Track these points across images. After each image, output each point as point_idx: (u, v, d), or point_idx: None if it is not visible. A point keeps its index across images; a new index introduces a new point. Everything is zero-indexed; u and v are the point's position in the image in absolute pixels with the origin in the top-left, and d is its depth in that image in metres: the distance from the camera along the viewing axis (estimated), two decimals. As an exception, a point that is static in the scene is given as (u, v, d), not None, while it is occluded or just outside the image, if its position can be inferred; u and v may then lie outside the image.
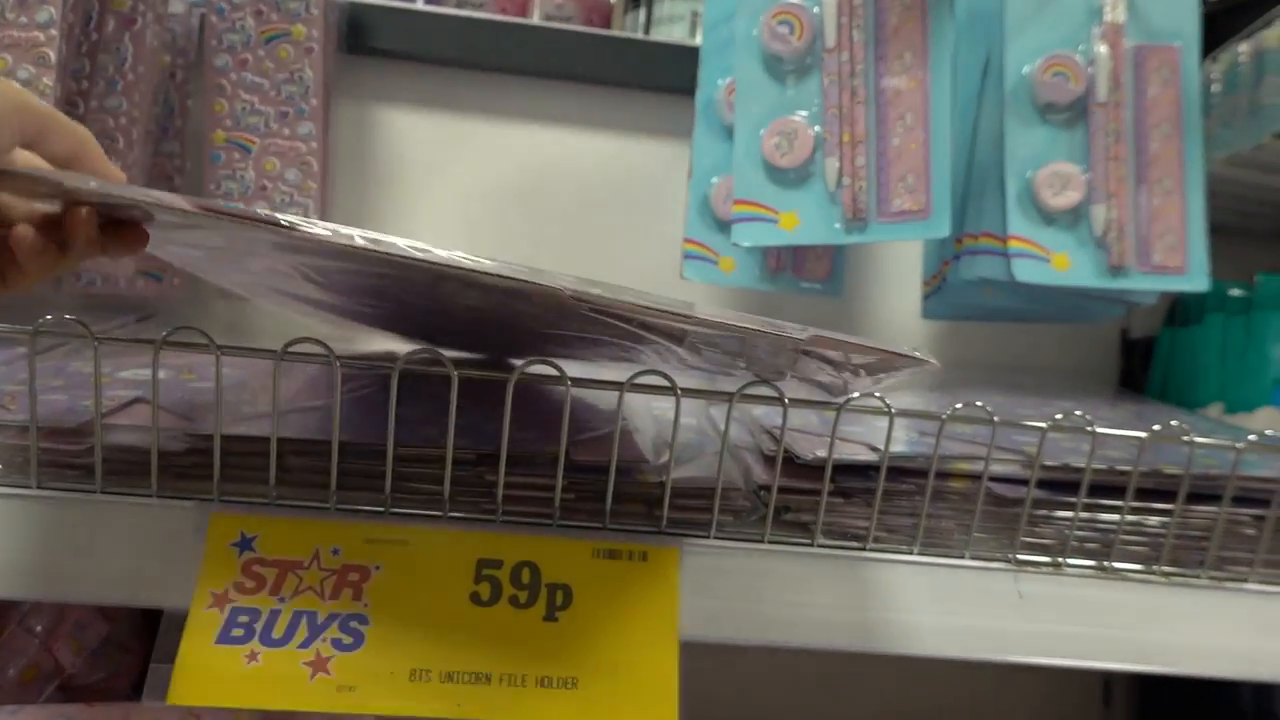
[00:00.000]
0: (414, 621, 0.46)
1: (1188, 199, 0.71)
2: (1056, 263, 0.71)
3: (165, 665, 0.44)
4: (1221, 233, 0.78)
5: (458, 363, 0.46)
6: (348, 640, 0.45)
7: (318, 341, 0.46)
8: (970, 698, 0.98)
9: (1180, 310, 0.90)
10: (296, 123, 0.71)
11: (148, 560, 0.47)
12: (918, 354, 0.42)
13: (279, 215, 0.37)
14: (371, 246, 0.37)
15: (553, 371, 0.47)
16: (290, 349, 0.46)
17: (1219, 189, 0.83)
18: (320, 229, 0.37)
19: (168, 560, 0.47)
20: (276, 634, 0.45)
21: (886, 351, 0.41)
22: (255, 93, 0.70)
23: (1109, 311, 0.79)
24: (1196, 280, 0.71)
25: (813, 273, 0.81)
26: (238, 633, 0.45)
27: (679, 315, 0.40)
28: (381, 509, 0.49)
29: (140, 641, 0.72)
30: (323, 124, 0.72)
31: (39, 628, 0.62)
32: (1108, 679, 1.00)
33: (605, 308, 0.40)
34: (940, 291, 0.82)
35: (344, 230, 0.37)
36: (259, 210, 0.38)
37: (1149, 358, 0.92)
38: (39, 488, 0.47)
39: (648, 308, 0.40)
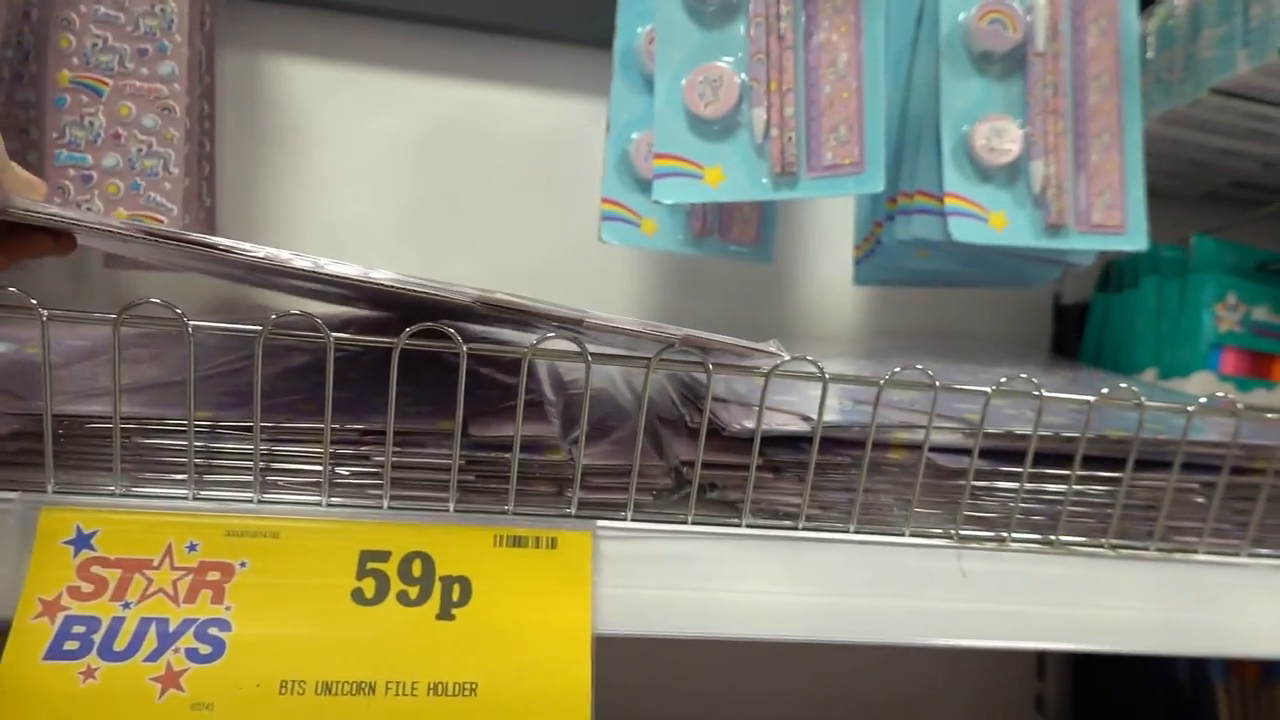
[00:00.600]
0: (285, 625, 0.40)
1: (1126, 155, 0.68)
2: (994, 222, 0.67)
3: (-20, 688, 0.37)
4: (1156, 195, 0.76)
5: (335, 326, 0.40)
6: (205, 650, 0.39)
7: (166, 305, 0.40)
8: (902, 669, 0.95)
9: (1114, 275, 0.87)
10: (157, 62, 0.63)
11: (-37, 563, 0.40)
12: (772, 348, 0.43)
13: (218, 240, 0.37)
14: (311, 268, 0.39)
15: (446, 341, 0.41)
16: (132, 313, 0.39)
17: (1153, 149, 0.80)
18: (260, 252, 0.38)
19: (-11, 563, 0.40)
20: (119, 646, 0.38)
21: (747, 348, 0.42)
22: (109, 26, 0.62)
23: (1045, 274, 0.76)
24: (1135, 239, 0.68)
25: (741, 236, 0.76)
26: (72, 646, 0.38)
27: (569, 320, 0.41)
28: (249, 498, 0.42)
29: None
30: (190, 66, 0.64)
31: None
32: (1041, 656, 0.98)
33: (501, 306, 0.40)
34: (873, 255, 0.78)
35: (280, 254, 0.39)
36: (197, 235, 0.38)
37: (1082, 324, 0.90)
38: None
39: (537, 313, 0.41)
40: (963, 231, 0.66)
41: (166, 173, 0.69)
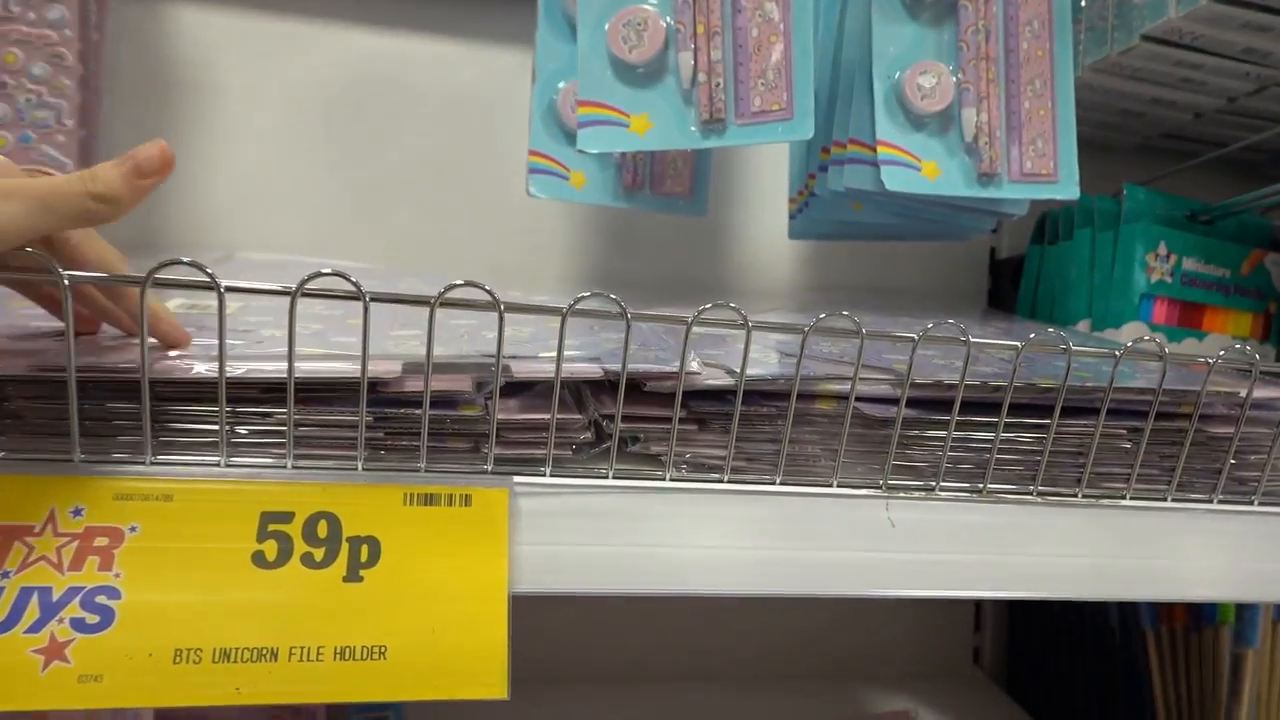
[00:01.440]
0: (180, 592, 0.38)
1: (1058, 102, 0.67)
2: (926, 171, 0.66)
3: None
4: (1090, 146, 0.76)
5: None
6: (93, 619, 0.37)
7: (33, 252, 0.37)
8: (840, 626, 0.96)
9: (1049, 227, 0.87)
10: (44, 6, 0.59)
11: None
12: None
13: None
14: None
15: (347, 286, 0.39)
16: (158, 275, 0.37)
17: (1086, 99, 0.80)
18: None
19: None
20: (-5, 618, 0.36)
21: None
22: (-12, -33, 0.58)
23: (979, 225, 0.76)
24: (1067, 188, 0.68)
25: (673, 188, 0.74)
26: (-59, 620, 0.35)
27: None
28: (140, 459, 0.40)
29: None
30: (80, 13, 0.60)
31: None
32: (978, 608, 0.99)
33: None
34: (807, 209, 0.77)
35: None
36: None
37: (1018, 277, 0.90)
38: None
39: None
40: (895, 180, 0.65)
41: (60, 125, 0.65)
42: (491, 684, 0.39)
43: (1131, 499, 0.50)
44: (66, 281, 0.37)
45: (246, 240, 0.78)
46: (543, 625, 0.88)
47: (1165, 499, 0.51)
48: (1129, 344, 0.48)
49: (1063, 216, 0.85)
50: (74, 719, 0.53)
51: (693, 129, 0.61)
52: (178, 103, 0.78)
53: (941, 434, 0.48)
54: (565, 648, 0.89)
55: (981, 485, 0.49)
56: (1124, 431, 0.51)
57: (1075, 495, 0.50)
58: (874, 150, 0.65)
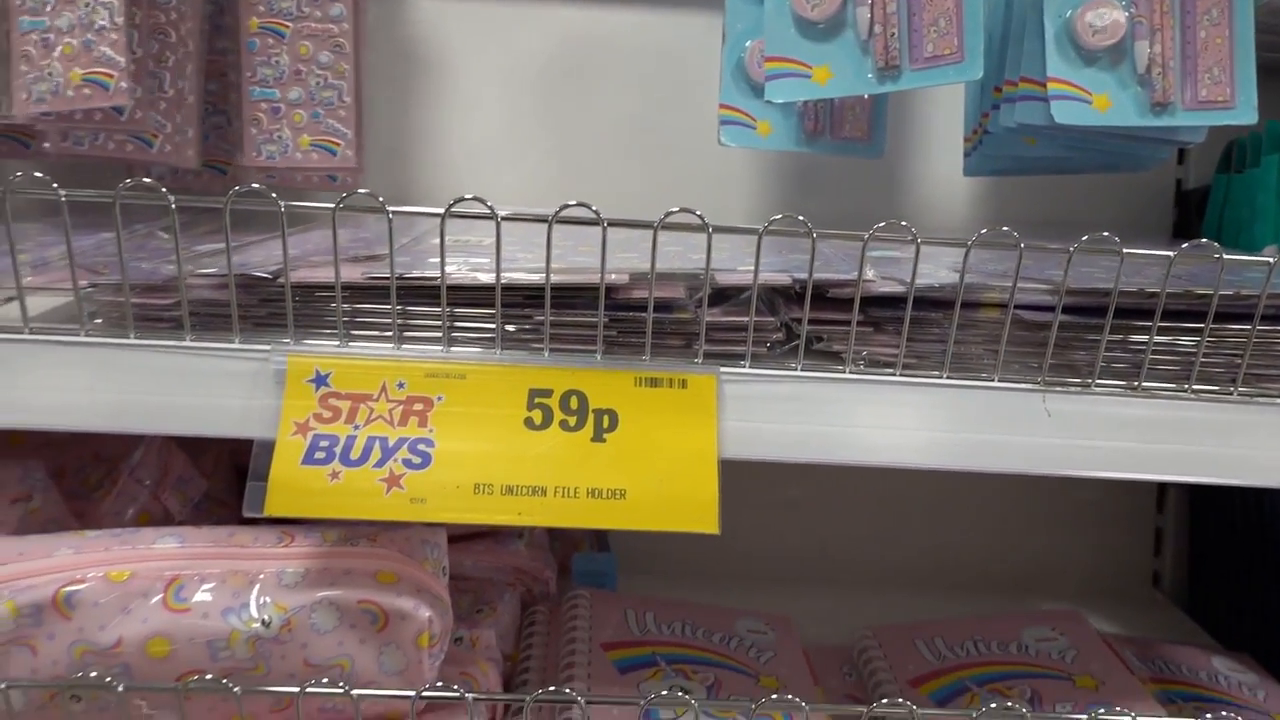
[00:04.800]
0: (475, 444, 0.51)
1: (1236, 28, 0.69)
2: (1097, 103, 0.70)
3: (259, 483, 0.49)
4: (1273, 71, 0.76)
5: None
6: (417, 460, 0.50)
7: (372, 195, 0.50)
8: (1016, 544, 1.01)
9: (1236, 155, 0.88)
10: (327, 4, 0.74)
11: (236, 398, 0.52)
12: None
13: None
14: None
15: (588, 213, 0.50)
16: (345, 205, 0.50)
17: (1268, 24, 0.80)
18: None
19: (253, 397, 0.52)
20: (354, 456, 0.50)
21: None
22: (285, -22, 0.73)
23: (1155, 155, 0.78)
24: (1245, 113, 0.70)
25: (852, 133, 0.81)
26: (320, 455, 0.50)
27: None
28: (440, 350, 0.53)
29: (235, 497, 0.79)
30: (355, 7, 0.75)
31: (147, 480, 0.69)
32: (1159, 533, 1.01)
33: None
34: (981, 146, 0.82)
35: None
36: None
37: (1204, 208, 0.91)
38: (136, 339, 0.53)
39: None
40: (1065, 114, 0.70)
41: (340, 102, 0.80)
42: (705, 522, 0.50)
43: (1286, 397, 0.54)
44: (389, 216, 0.50)
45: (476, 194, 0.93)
46: (738, 526, 0.99)
47: (1320, 397, 0.54)
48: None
49: (1250, 143, 0.85)
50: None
51: (870, 76, 0.68)
52: (419, 78, 0.93)
53: (1098, 337, 0.54)
54: (757, 547, 0.99)
55: (1137, 382, 0.54)
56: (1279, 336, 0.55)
57: (1229, 393, 0.54)
58: (1044, 86, 0.70)
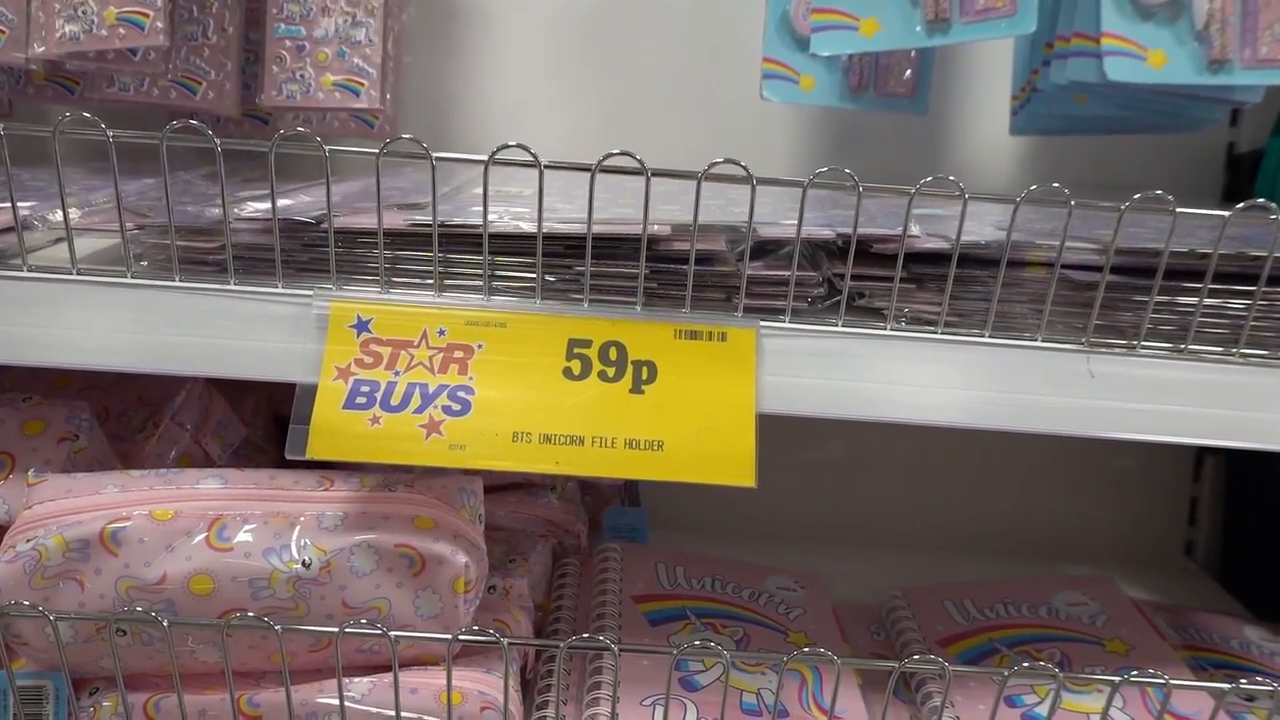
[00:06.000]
0: (514, 392, 0.51)
1: (1301, -16, 0.67)
2: (1152, 60, 0.68)
3: (301, 426, 0.50)
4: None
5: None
6: (456, 407, 0.50)
7: (416, 141, 0.50)
8: (1051, 510, 1.00)
9: (1292, 119, 0.85)
10: (354, -59, 0.74)
11: (278, 342, 0.52)
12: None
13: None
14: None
15: (633, 163, 0.50)
16: (388, 151, 0.50)
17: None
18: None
19: (295, 341, 0.52)
20: (394, 401, 0.50)
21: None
22: (313, -85, 0.73)
23: (1210, 115, 0.76)
24: (1306, 73, 0.67)
25: (896, 89, 0.80)
26: (361, 400, 0.50)
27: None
28: (480, 298, 0.53)
29: (274, 445, 0.81)
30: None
31: (189, 424, 0.71)
32: (1194, 502, 1.00)
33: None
34: (1030, 104, 0.80)
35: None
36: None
37: (1256, 173, 0.89)
38: (180, 281, 0.53)
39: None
40: (1119, 70, 0.68)
41: (368, 40, 0.79)
42: (743, 475, 0.50)
43: (1339, 364, 0.53)
44: (433, 162, 0.50)
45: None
46: (770, 485, 0.99)
47: (1375, 364, 0.53)
48: (1342, 214, 0.51)
49: (1309, 106, 0.83)
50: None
51: (918, 29, 0.67)
52: (461, 30, 0.92)
53: (1145, 298, 0.53)
54: (789, 506, 0.99)
55: (1182, 345, 0.53)
56: (1335, 299, 0.53)
57: (1278, 358, 0.53)
58: (1098, 42, 0.68)
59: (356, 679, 0.54)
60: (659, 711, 0.57)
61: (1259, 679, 0.50)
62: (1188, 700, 0.63)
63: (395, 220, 0.54)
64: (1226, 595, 0.93)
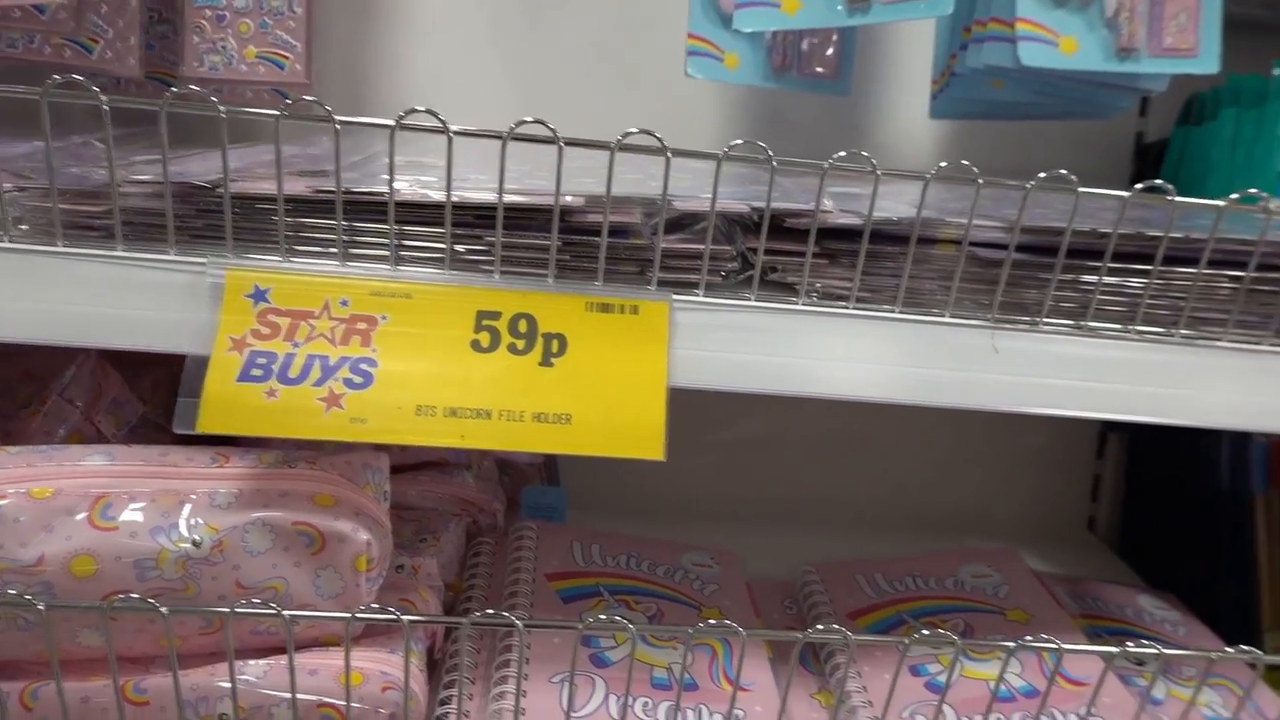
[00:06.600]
0: (419, 365, 0.49)
1: (1204, -24, 0.69)
2: (1064, 46, 0.69)
3: (191, 400, 0.47)
4: (1240, 26, 0.76)
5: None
6: (358, 380, 0.49)
7: (319, 103, 0.48)
8: (956, 486, 1.03)
9: (1195, 109, 0.88)
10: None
11: (169, 312, 0.50)
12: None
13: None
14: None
15: (546, 131, 0.49)
16: (289, 114, 0.48)
17: (1240, -26, 0.80)
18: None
19: (187, 311, 0.50)
20: (292, 374, 0.48)
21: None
22: None
23: (1118, 102, 0.78)
24: (1207, 62, 0.70)
25: (820, 70, 0.80)
26: (257, 372, 0.48)
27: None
28: (386, 268, 0.51)
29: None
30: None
31: (79, 400, 0.67)
32: (1097, 479, 1.04)
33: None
34: (949, 87, 0.81)
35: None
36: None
37: (1162, 162, 0.91)
38: (64, 247, 0.50)
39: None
40: (1031, 56, 0.69)
41: (290, 11, 0.76)
42: (652, 448, 0.49)
43: (1229, 342, 0.55)
44: (336, 126, 0.48)
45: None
46: (687, 464, 0.99)
47: (1260, 344, 0.55)
48: (1233, 196, 0.52)
49: (1209, 98, 0.85)
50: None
51: (839, 8, 0.67)
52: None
53: (1049, 276, 0.54)
54: (706, 485, 1.00)
55: (1082, 322, 0.55)
56: (1225, 279, 0.55)
57: (1172, 335, 0.55)
58: (1013, 27, 0.69)
59: (252, 661, 0.52)
60: (568, 689, 0.56)
61: (1144, 642, 0.51)
62: (1081, 665, 0.65)
63: (297, 186, 0.52)
64: (1124, 567, 0.96)
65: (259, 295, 0.50)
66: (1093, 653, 0.60)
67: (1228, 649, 0.53)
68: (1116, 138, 0.97)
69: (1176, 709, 0.61)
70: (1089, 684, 0.61)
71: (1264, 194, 0.53)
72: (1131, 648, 0.51)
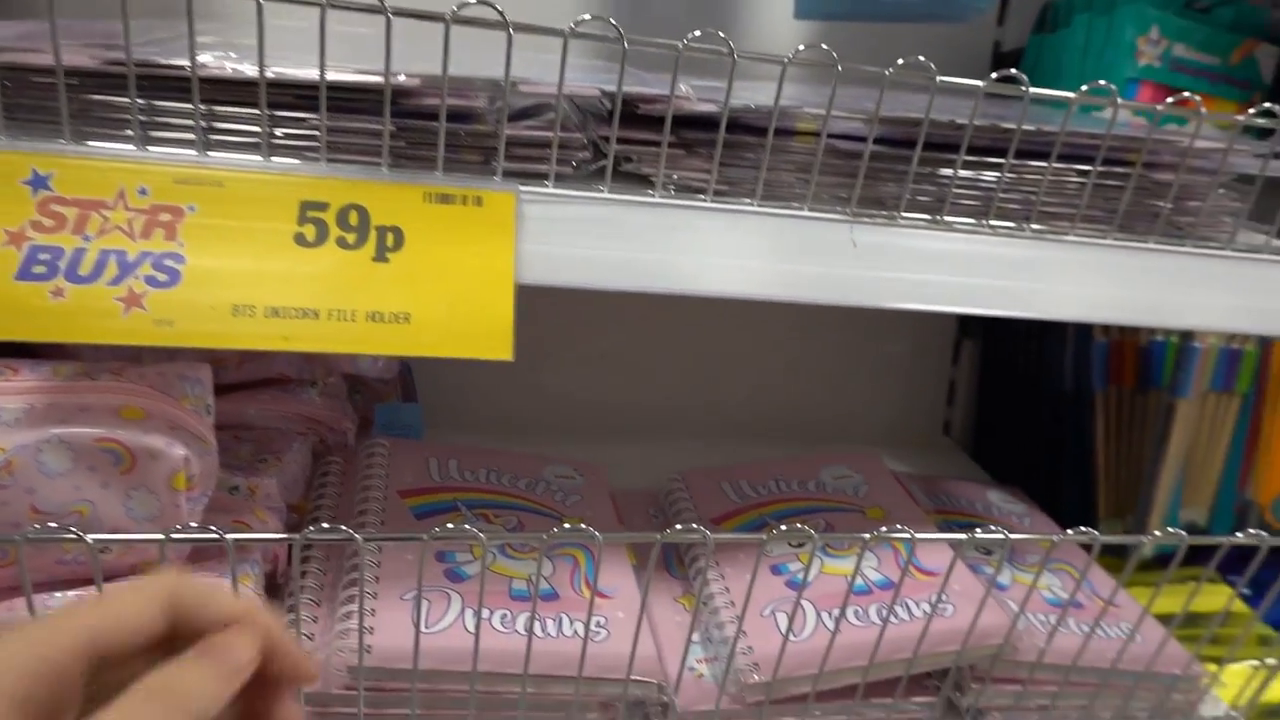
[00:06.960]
0: (234, 260, 0.44)
1: None
2: (924, -61, 0.68)
3: (-40, 301, 0.41)
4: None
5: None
6: (163, 278, 0.43)
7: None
8: (820, 396, 1.04)
9: (1050, 16, 0.89)
10: None
11: (-70, 200, 0.43)
12: None
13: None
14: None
15: (373, 0, 0.44)
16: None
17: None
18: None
19: (-47, 200, 0.43)
20: (83, 271, 0.43)
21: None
22: None
23: (977, 5, 0.78)
24: (1059, -40, 0.70)
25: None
26: (39, 270, 0.42)
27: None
28: (193, 153, 0.46)
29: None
30: None
31: None
32: (952, 385, 1.07)
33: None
34: (811, -16, 0.79)
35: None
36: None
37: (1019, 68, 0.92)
38: None
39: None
40: (892, -54, 0.67)
41: None
42: (499, 348, 0.46)
43: (1077, 236, 0.56)
44: (122, -21, 0.42)
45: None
46: (551, 379, 0.96)
47: (1105, 237, 0.56)
48: (1084, 88, 0.52)
49: (1063, 4, 0.86)
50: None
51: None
52: None
53: (907, 169, 0.53)
54: (571, 399, 0.98)
55: (939, 217, 0.54)
56: (1074, 173, 0.56)
57: (1024, 230, 0.55)
58: (874, -84, 0.67)
59: (59, 593, 0.47)
60: (420, 605, 0.54)
61: (991, 529, 0.52)
62: (934, 556, 0.67)
63: (81, 58, 0.45)
64: (976, 467, 1.00)
65: (39, 182, 0.43)
66: (943, 540, 0.62)
67: (1067, 531, 0.55)
68: (975, 47, 0.97)
69: (1020, 593, 0.64)
70: (941, 574, 0.63)
71: (1113, 85, 0.53)
72: (979, 534, 0.52)
